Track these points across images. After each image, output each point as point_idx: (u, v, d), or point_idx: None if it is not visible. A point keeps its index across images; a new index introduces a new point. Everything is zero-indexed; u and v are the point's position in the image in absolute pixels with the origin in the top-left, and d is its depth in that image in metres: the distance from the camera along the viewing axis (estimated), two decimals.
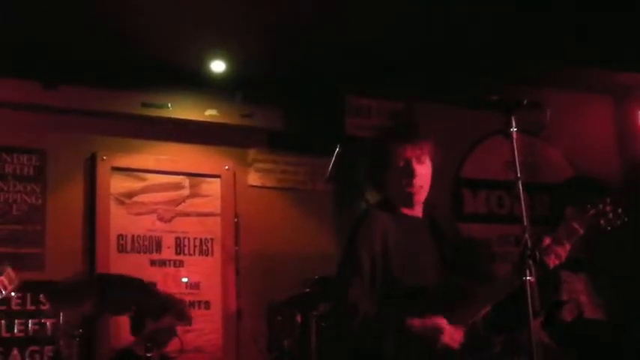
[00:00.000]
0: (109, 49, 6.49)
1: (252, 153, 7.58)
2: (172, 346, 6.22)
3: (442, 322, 3.59)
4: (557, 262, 3.72)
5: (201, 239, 7.27)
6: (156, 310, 5.74)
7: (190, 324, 6.29)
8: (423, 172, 3.98)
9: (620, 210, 3.94)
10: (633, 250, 6.51)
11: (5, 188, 6.66)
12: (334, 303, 3.89)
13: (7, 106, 6.59)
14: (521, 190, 3.49)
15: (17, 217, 6.65)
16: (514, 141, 3.53)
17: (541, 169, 7.29)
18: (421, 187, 3.98)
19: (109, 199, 6.96)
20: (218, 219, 7.35)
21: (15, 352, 6.42)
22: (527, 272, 3.37)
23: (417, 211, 4.05)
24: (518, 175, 3.50)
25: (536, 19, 6.19)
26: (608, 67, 7.17)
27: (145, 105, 6.99)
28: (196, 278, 7.18)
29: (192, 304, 7.07)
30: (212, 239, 7.30)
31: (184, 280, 7.13)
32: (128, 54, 6.57)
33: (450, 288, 3.80)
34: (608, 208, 3.92)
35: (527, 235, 3.42)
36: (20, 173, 6.73)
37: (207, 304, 7.15)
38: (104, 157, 7.00)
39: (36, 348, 6.46)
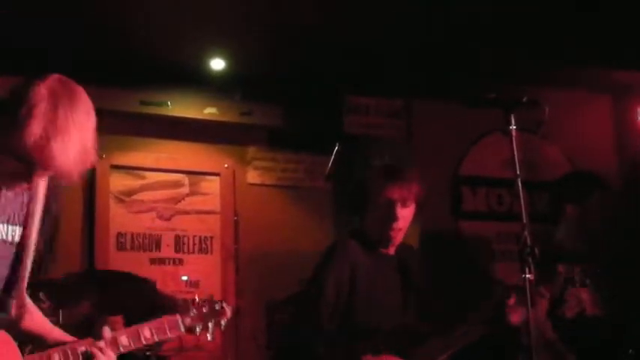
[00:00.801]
0: (109, 46, 6.48)
1: (251, 151, 7.59)
2: (171, 344, 6.22)
3: None
4: (518, 321, 3.82)
5: (200, 237, 7.27)
6: (146, 309, 5.74)
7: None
8: (406, 214, 3.97)
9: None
10: (633, 247, 6.51)
11: None
12: (293, 324, 3.89)
13: None
14: (520, 188, 3.49)
15: None
16: (513, 139, 3.53)
17: (540, 167, 7.29)
18: (400, 229, 3.97)
19: (108, 197, 6.97)
20: (217, 217, 7.35)
21: None
22: (527, 270, 3.37)
23: (391, 249, 4.06)
24: (518, 172, 3.50)
25: (535, 17, 6.19)
26: (607, 65, 7.17)
27: (144, 103, 6.99)
28: (196, 276, 7.19)
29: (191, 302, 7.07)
30: (211, 237, 7.31)
31: (184, 278, 7.13)
32: (127, 52, 6.57)
33: (407, 332, 3.81)
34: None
35: (526, 233, 3.42)
36: None
37: None
38: (103, 155, 6.98)
39: None
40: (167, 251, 7.11)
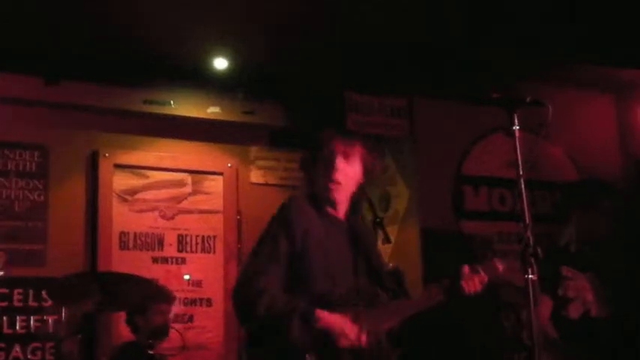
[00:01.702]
0: (112, 45, 6.48)
1: (254, 150, 7.59)
2: (174, 343, 6.23)
3: (348, 321, 3.63)
4: (477, 288, 3.81)
5: (203, 236, 7.28)
6: (140, 303, 5.76)
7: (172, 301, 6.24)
8: (347, 171, 3.95)
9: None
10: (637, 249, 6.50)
11: (7, 184, 6.68)
12: (242, 285, 3.81)
13: (9, 102, 6.59)
14: (523, 188, 3.48)
15: (19, 213, 6.67)
16: (516, 138, 3.53)
17: (543, 166, 7.28)
18: (340, 184, 3.93)
19: (111, 196, 6.98)
20: (220, 216, 7.36)
21: (17, 348, 6.43)
22: (529, 270, 3.36)
23: (340, 212, 4.02)
24: (520, 172, 3.49)
25: (538, 16, 6.18)
26: (611, 64, 7.16)
27: (147, 102, 6.99)
28: (198, 276, 7.20)
29: (193, 301, 7.08)
30: (214, 237, 7.32)
31: (186, 277, 7.14)
32: (131, 51, 6.57)
33: (361, 294, 3.79)
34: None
35: (528, 233, 3.41)
36: (22, 169, 6.74)
37: (209, 302, 7.16)
38: (106, 154, 7.01)
39: (38, 345, 6.47)
40: (170, 250, 7.11)
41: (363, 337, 3.62)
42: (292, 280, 3.77)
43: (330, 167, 3.92)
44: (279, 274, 3.76)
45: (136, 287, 5.51)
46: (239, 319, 3.85)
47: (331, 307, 3.65)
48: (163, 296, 5.98)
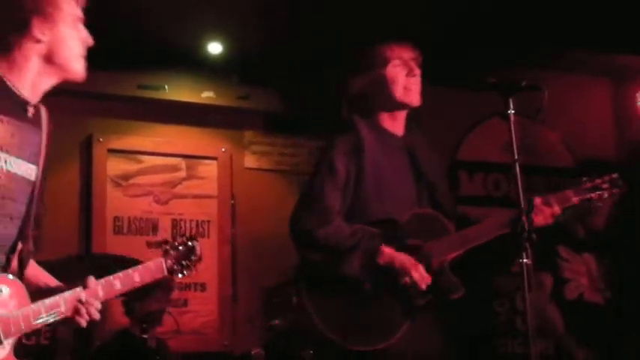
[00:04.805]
0: (106, 30, 6.42)
1: (248, 135, 7.57)
2: (168, 327, 6.22)
3: (412, 262, 3.56)
4: (542, 222, 3.71)
5: (197, 221, 7.27)
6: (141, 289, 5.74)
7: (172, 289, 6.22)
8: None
9: (615, 190, 3.94)
10: (632, 233, 6.50)
11: None
12: (301, 211, 3.73)
13: None
14: (518, 173, 3.46)
15: None
16: (512, 123, 3.51)
17: (538, 151, 7.28)
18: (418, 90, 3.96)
19: (105, 181, 6.97)
20: (214, 201, 7.35)
21: None
22: (524, 255, 3.35)
23: (398, 127, 3.97)
24: (516, 157, 3.47)
25: (535, 0, 6.17)
26: (607, 49, 7.15)
27: (141, 87, 6.98)
28: None
29: (187, 286, 7.07)
30: (208, 221, 7.30)
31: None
32: (125, 36, 6.54)
33: (425, 222, 3.73)
34: (605, 185, 3.92)
35: (524, 218, 3.40)
36: None
37: (203, 286, 7.15)
38: (100, 139, 6.99)
39: None
40: (164, 235, 7.09)
41: (428, 278, 3.57)
42: (351, 206, 3.71)
43: (411, 72, 3.93)
44: (339, 195, 3.68)
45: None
46: (297, 248, 3.77)
47: (395, 241, 3.60)
48: (164, 284, 5.97)
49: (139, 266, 3.15)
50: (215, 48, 6.94)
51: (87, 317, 2.88)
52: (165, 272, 3.22)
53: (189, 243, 3.33)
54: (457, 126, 7.44)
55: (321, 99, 7.19)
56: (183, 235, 3.40)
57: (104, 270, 5.22)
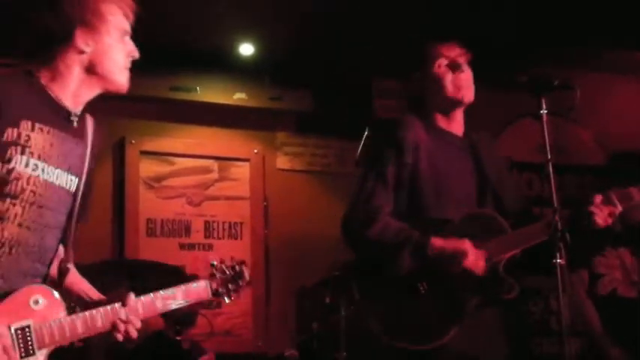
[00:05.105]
0: (138, 32, 6.47)
1: (280, 136, 7.58)
2: (202, 329, 6.24)
3: (467, 245, 3.45)
4: (602, 224, 3.49)
5: (230, 223, 7.28)
6: None
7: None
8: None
9: None
10: None
11: None
12: (352, 211, 3.68)
13: None
14: (551, 172, 3.43)
15: None
16: (544, 123, 3.48)
17: (571, 150, 7.23)
18: (469, 86, 3.80)
19: (137, 183, 7.00)
20: (247, 202, 7.36)
21: None
22: (558, 255, 3.30)
23: (457, 127, 3.87)
24: (549, 157, 3.43)
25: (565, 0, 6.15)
26: (636, 47, 7.10)
27: (173, 89, 7.00)
28: None
29: None
30: (241, 223, 7.31)
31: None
32: (157, 38, 6.55)
33: (479, 222, 3.64)
34: None
35: (557, 217, 3.36)
36: None
37: None
38: (133, 141, 7.02)
39: None
40: (197, 237, 7.12)
41: (482, 262, 3.46)
42: (405, 204, 3.64)
43: (459, 70, 3.79)
44: (389, 197, 3.62)
45: (165, 276, 5.52)
46: (350, 247, 3.74)
47: (446, 236, 3.51)
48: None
49: (183, 286, 3.11)
50: (247, 49, 6.95)
51: (125, 335, 2.87)
52: (210, 295, 3.18)
53: (238, 267, 3.29)
54: (489, 125, 7.40)
55: (353, 99, 7.20)
56: (232, 259, 3.37)
57: (139, 277, 5.27)
